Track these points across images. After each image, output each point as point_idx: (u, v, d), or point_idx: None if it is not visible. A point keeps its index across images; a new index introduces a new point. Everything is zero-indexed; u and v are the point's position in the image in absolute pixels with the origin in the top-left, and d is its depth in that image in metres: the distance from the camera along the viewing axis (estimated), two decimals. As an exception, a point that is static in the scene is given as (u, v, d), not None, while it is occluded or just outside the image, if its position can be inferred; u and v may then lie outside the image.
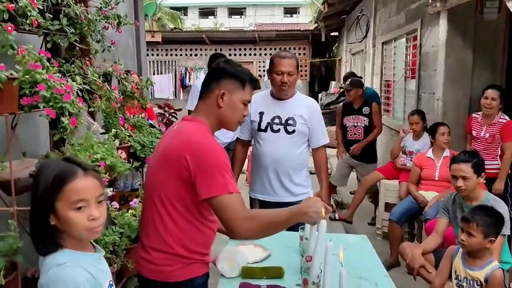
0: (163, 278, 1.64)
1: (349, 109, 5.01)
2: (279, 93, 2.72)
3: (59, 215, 1.18)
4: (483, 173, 2.67)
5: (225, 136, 4.56)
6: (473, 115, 3.97)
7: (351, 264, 1.84)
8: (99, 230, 1.24)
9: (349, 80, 5.24)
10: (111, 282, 1.30)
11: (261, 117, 2.74)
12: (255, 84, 1.79)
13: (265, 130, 2.73)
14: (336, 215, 4.85)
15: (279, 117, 2.72)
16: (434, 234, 2.85)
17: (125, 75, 2.99)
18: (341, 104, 5.09)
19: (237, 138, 2.96)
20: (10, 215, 2.10)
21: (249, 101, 1.77)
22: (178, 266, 1.63)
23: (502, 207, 2.53)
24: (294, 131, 2.70)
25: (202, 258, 1.69)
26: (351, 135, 5.03)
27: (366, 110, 4.94)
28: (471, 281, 2.17)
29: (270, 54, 12.91)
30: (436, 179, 3.85)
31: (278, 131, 2.70)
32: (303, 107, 2.75)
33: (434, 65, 4.57)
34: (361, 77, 6.56)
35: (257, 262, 1.87)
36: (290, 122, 2.70)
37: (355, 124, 4.98)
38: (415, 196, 3.84)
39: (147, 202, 1.73)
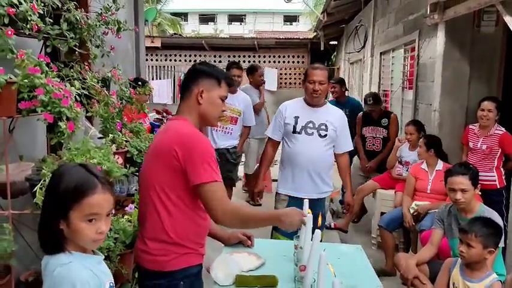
0: (159, 268, 1.72)
1: (369, 120, 5.06)
2: (311, 100, 3.06)
3: (70, 222, 1.22)
4: (478, 185, 2.68)
5: (218, 143, 4.59)
6: (470, 126, 3.99)
7: (344, 275, 1.84)
8: (101, 242, 1.32)
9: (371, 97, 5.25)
10: (111, 284, 1.33)
11: (296, 121, 3.06)
12: (230, 82, 1.96)
13: (300, 132, 3.05)
14: (332, 224, 4.85)
15: (312, 122, 3.05)
16: (429, 245, 2.85)
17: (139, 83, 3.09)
18: (360, 114, 5.17)
19: (269, 138, 3.24)
20: (5, 218, 2.10)
21: (226, 97, 1.93)
22: (173, 255, 1.72)
23: (496, 218, 2.55)
24: (326, 135, 3.04)
25: (196, 249, 1.77)
26: (369, 145, 5.08)
27: (384, 121, 5.00)
28: None
29: (269, 61, 12.98)
30: (428, 191, 3.85)
31: (312, 134, 3.03)
32: (333, 115, 3.11)
33: (432, 76, 4.60)
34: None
35: (251, 270, 1.87)
36: (322, 127, 3.04)
37: (374, 135, 5.04)
38: (404, 214, 3.83)
39: (142, 195, 1.85)
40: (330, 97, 5.96)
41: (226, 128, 4.65)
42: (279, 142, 3.23)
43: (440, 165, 3.86)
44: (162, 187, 1.72)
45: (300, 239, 1.88)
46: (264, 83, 5.85)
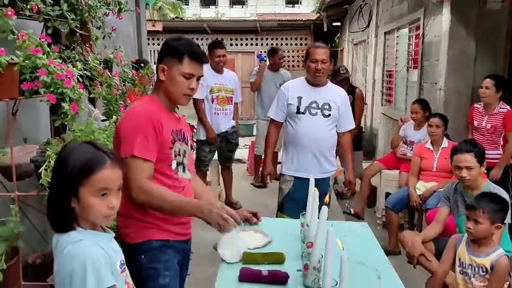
0: (125, 240, 1.76)
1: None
2: (314, 80, 3.01)
3: (81, 199, 1.22)
4: (484, 162, 2.66)
5: (218, 127, 4.59)
6: (475, 105, 3.96)
7: (351, 251, 1.84)
8: (113, 218, 1.32)
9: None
10: (122, 261, 1.33)
11: (299, 101, 3.02)
12: (196, 57, 1.80)
13: (303, 113, 3.01)
14: (352, 210, 4.81)
15: (315, 102, 3.01)
16: (435, 223, 2.85)
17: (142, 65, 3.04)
18: None
19: (272, 119, 3.19)
20: (11, 200, 2.10)
21: (192, 74, 1.80)
22: (132, 228, 1.75)
23: (502, 194, 2.53)
24: (329, 115, 3.01)
25: (159, 224, 1.76)
26: None
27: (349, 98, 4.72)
28: (476, 268, 2.17)
29: (272, 44, 12.85)
30: (434, 170, 3.84)
31: (316, 114, 2.99)
32: (335, 94, 3.08)
33: (437, 54, 4.54)
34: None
35: (258, 248, 1.87)
36: (326, 106, 3.01)
37: None
38: (411, 194, 3.82)
39: None
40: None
41: (225, 110, 4.64)
42: (282, 123, 3.20)
43: (445, 142, 3.84)
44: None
45: (306, 217, 1.88)
46: (280, 64, 5.81)
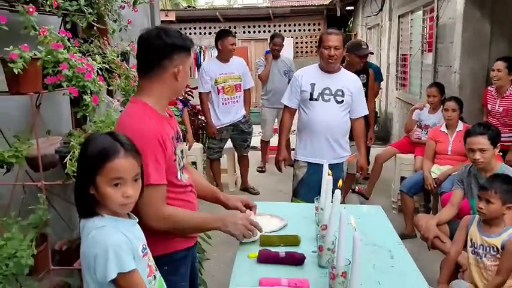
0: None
1: None
2: (327, 66, 3.03)
3: (98, 187, 1.29)
4: (498, 144, 2.67)
5: (228, 117, 4.65)
6: (489, 88, 3.94)
7: (365, 232, 1.91)
8: (131, 206, 1.36)
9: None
10: (144, 246, 1.39)
11: (312, 88, 3.05)
12: (193, 45, 1.74)
13: (317, 99, 3.04)
14: (357, 188, 4.93)
15: (329, 88, 3.04)
16: (449, 205, 2.88)
17: None
18: None
19: (285, 106, 3.23)
20: (38, 190, 2.21)
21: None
22: (154, 241, 1.55)
23: (515, 175, 2.55)
24: (342, 101, 3.04)
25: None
26: None
27: (363, 78, 4.30)
28: (487, 248, 2.20)
29: (285, 30, 12.79)
30: (449, 153, 3.84)
31: (329, 100, 3.03)
32: (348, 80, 3.10)
33: (452, 37, 4.50)
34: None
35: (274, 231, 1.94)
36: (339, 93, 3.04)
37: None
38: (426, 177, 3.83)
39: None
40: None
41: (234, 98, 4.68)
42: (296, 109, 3.24)
43: (460, 126, 3.83)
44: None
45: (321, 201, 1.93)
46: (278, 51, 5.69)
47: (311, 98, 3.05)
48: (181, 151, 1.79)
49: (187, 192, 1.77)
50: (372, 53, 4.54)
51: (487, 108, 3.93)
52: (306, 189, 3.02)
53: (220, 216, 1.74)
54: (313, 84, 3.06)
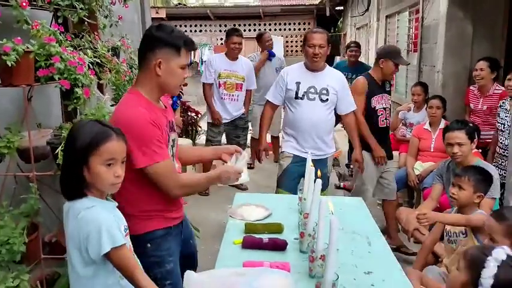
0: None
1: (374, 85, 3.51)
2: (312, 65, 3.07)
3: (91, 168, 1.39)
4: (475, 139, 2.78)
5: (229, 113, 4.74)
6: (471, 87, 4.05)
7: (345, 222, 2.00)
8: (119, 186, 1.48)
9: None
10: (125, 227, 1.49)
11: (298, 87, 3.09)
12: (191, 47, 1.80)
13: (302, 98, 3.09)
14: (341, 184, 5.04)
15: (314, 87, 3.08)
16: (429, 199, 2.98)
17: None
18: (361, 79, 3.52)
19: (267, 101, 3.28)
20: (28, 180, 2.26)
21: (186, 65, 1.79)
22: (134, 221, 1.72)
23: (491, 170, 2.66)
24: (327, 100, 3.09)
25: (160, 214, 1.83)
26: (382, 120, 3.54)
27: (387, 86, 3.72)
28: (458, 233, 2.33)
29: (275, 29, 12.89)
30: (432, 150, 3.96)
31: (314, 99, 3.08)
32: (333, 78, 3.15)
33: (435, 37, 4.62)
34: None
35: (259, 220, 2.02)
36: (324, 91, 3.08)
37: (385, 106, 3.55)
38: (409, 173, 3.95)
39: None
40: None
41: (232, 95, 4.77)
42: (278, 106, 3.31)
43: (442, 123, 3.95)
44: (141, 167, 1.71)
45: (304, 192, 2.02)
46: (271, 47, 5.79)
47: (296, 97, 3.10)
48: (173, 140, 1.90)
49: None
50: (408, 64, 4.29)
51: (470, 107, 4.04)
52: (289, 179, 3.08)
53: (217, 175, 1.90)
54: (298, 83, 3.10)
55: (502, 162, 3.34)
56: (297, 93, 3.09)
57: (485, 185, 2.37)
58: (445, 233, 2.43)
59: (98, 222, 1.34)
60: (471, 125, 2.83)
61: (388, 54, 3.48)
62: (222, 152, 2.12)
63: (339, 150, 3.42)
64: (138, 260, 1.59)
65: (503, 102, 3.50)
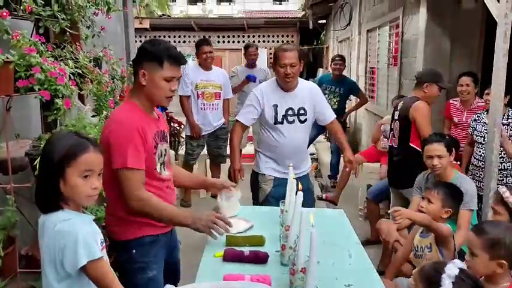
0: (115, 237, 1.88)
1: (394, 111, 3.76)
2: (285, 85, 2.90)
3: (67, 180, 1.37)
4: (453, 152, 2.84)
5: (211, 123, 4.74)
6: (451, 101, 4.12)
7: (326, 234, 2.01)
8: (96, 198, 1.46)
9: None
10: (102, 240, 1.47)
11: (275, 110, 2.90)
12: (176, 60, 1.85)
13: (282, 122, 2.91)
14: (324, 195, 5.04)
15: (291, 108, 2.92)
16: (407, 209, 3.02)
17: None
18: (422, 103, 3.42)
19: (237, 120, 3.04)
20: (6, 192, 2.22)
21: (173, 77, 1.85)
22: (124, 226, 1.85)
23: (468, 183, 2.72)
24: (305, 120, 2.95)
25: (148, 221, 1.85)
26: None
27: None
28: (424, 248, 2.37)
29: (259, 41, 12.99)
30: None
31: (293, 121, 2.92)
32: (309, 95, 2.98)
33: (415, 52, 4.72)
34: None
35: (240, 232, 2.02)
36: (301, 112, 2.93)
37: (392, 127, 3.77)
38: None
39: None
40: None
41: (212, 105, 4.77)
42: (248, 126, 3.13)
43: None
44: (108, 166, 1.73)
45: (286, 204, 2.02)
46: (253, 61, 5.80)
47: (276, 122, 2.91)
48: (165, 150, 1.96)
49: (164, 187, 1.93)
50: (451, 86, 4.00)
51: (451, 121, 4.11)
52: (274, 202, 2.86)
53: (190, 214, 1.87)
54: (275, 106, 2.91)
55: (478, 173, 3.42)
56: (276, 118, 2.91)
57: (454, 201, 2.43)
58: (413, 248, 2.47)
59: (75, 235, 1.32)
60: (448, 137, 2.89)
61: (433, 77, 3.41)
62: (209, 185, 2.18)
63: (314, 164, 3.43)
64: (115, 275, 1.58)
65: (478, 116, 3.58)
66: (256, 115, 2.96)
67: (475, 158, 3.52)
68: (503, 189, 1.98)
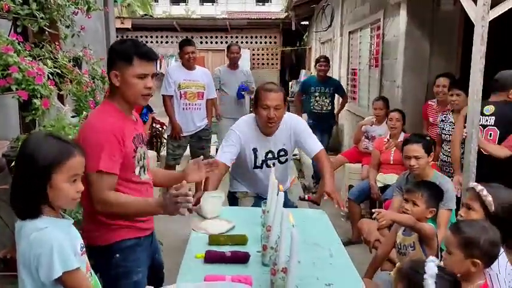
0: (95, 243, 1.79)
1: None
2: (266, 130, 2.68)
3: (53, 184, 1.35)
4: (432, 153, 2.89)
5: (194, 124, 4.72)
6: (429, 102, 4.20)
7: (308, 234, 2.03)
8: (78, 201, 1.45)
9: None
10: (82, 245, 1.45)
11: (255, 154, 2.75)
12: (145, 56, 1.79)
13: (261, 167, 2.78)
14: (306, 196, 5.05)
15: (271, 151, 2.77)
16: (389, 211, 3.06)
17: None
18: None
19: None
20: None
21: (145, 74, 1.79)
22: (103, 231, 1.80)
23: (447, 182, 2.77)
24: (286, 160, 2.84)
25: (128, 223, 1.82)
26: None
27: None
28: (407, 246, 2.40)
29: (242, 42, 12.98)
30: (392, 162, 4.08)
31: (273, 164, 2.74)
32: (291, 134, 2.77)
33: (395, 54, 4.79)
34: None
35: (222, 233, 2.02)
36: (281, 153, 2.80)
37: None
38: (371, 186, 4.06)
39: None
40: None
41: (195, 105, 4.76)
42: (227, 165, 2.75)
43: (402, 136, 4.07)
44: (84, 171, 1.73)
45: (267, 205, 2.03)
46: (235, 61, 5.80)
47: (255, 166, 2.78)
48: (144, 153, 1.91)
49: (143, 190, 1.90)
50: None
51: (429, 121, 4.18)
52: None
53: (157, 203, 1.76)
54: (255, 150, 2.74)
55: (448, 169, 3.54)
56: (255, 162, 2.76)
57: (437, 201, 2.47)
58: (396, 246, 2.50)
59: (51, 244, 1.29)
60: (428, 138, 2.93)
61: None
62: (185, 174, 2.11)
63: (294, 176, 3.44)
64: (97, 278, 1.56)
65: (445, 117, 3.68)
66: (234, 155, 2.73)
67: (444, 154, 3.64)
68: (479, 187, 2.01)
